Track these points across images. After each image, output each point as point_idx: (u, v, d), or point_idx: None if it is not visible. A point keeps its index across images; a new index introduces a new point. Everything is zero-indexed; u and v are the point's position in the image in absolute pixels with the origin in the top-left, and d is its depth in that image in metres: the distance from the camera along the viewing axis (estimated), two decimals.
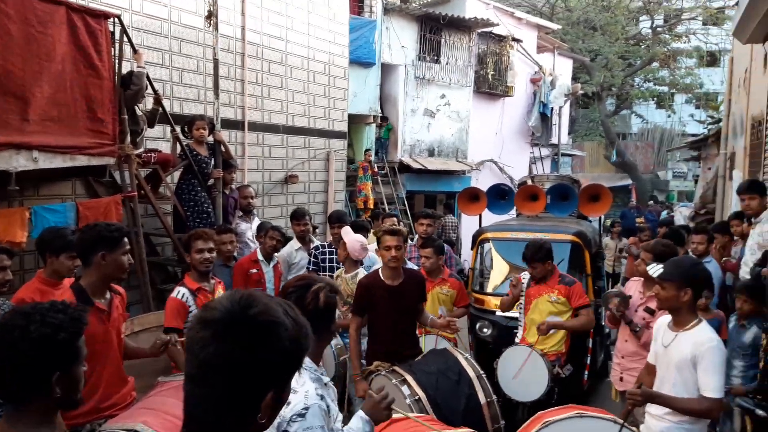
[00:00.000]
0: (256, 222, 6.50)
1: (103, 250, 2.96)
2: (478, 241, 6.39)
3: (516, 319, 5.08)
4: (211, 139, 6.33)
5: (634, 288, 4.46)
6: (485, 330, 5.79)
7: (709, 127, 17.56)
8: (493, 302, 5.84)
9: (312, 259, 5.53)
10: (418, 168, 13.12)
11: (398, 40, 12.66)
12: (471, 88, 14.50)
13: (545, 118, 17.11)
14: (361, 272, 4.68)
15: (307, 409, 2.01)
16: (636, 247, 8.20)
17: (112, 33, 5.14)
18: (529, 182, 7.70)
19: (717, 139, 11.36)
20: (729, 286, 5.43)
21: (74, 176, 5.43)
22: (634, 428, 2.96)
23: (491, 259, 6.45)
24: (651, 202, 19.12)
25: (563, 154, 20.07)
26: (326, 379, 2.31)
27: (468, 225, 11.59)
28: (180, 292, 3.89)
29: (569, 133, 21.30)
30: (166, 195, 6.18)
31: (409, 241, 5.79)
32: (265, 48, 8.32)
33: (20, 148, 4.33)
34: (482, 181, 13.06)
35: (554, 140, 18.52)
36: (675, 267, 3.08)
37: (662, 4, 24.40)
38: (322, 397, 2.10)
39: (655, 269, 3.23)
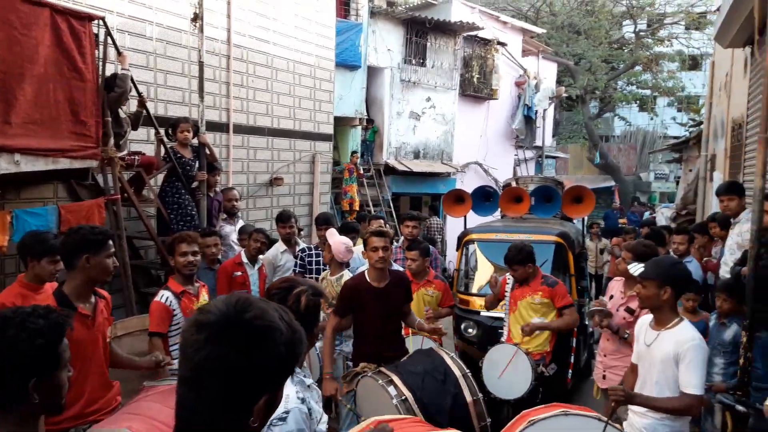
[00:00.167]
0: (240, 224, 6.49)
1: (88, 253, 2.94)
2: (463, 242, 6.43)
3: (501, 319, 5.13)
4: (195, 141, 6.31)
5: (615, 288, 4.52)
6: (470, 330, 5.83)
7: (691, 129, 17.79)
8: (477, 303, 5.88)
9: (298, 262, 5.52)
10: (403, 170, 13.16)
11: (384, 43, 12.70)
12: (456, 91, 14.57)
13: (529, 121, 17.23)
14: (347, 274, 4.68)
15: (287, 413, 2.01)
16: (619, 248, 8.28)
17: (96, 35, 5.11)
18: (514, 184, 7.77)
19: (698, 141, 11.50)
20: (710, 285, 5.51)
21: (56, 179, 5.38)
22: (617, 425, 2.99)
23: (476, 260, 6.49)
24: (634, 203, 19.33)
25: (547, 157, 20.22)
26: (309, 380, 2.32)
27: (453, 226, 11.65)
28: (164, 296, 3.86)
29: (553, 136, 21.46)
30: (149, 198, 6.15)
31: (395, 242, 5.82)
32: (250, 50, 8.31)
33: (2, 151, 4.28)
34: (467, 183, 13.12)
35: (538, 143, 18.66)
36: (656, 266, 3.14)
37: (645, 9, 24.71)
38: (303, 400, 2.11)
39: (637, 268, 3.28)
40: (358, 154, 11.93)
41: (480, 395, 3.74)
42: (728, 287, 4.25)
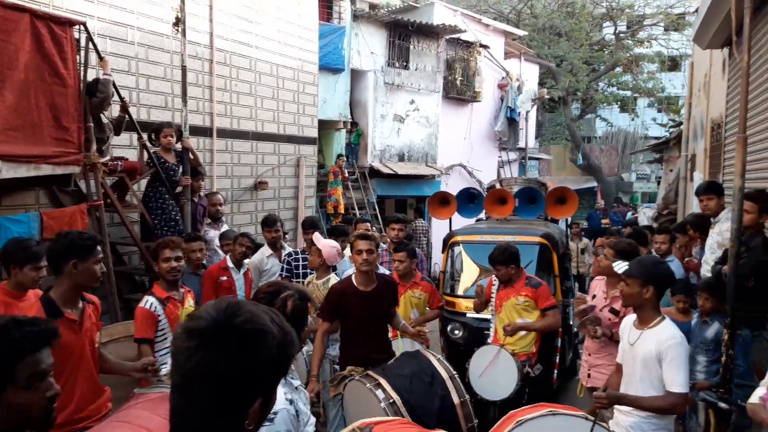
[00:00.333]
0: (224, 229, 6.46)
1: (75, 259, 2.92)
2: (448, 244, 6.45)
3: (487, 320, 5.16)
4: (178, 146, 6.27)
5: (598, 287, 4.56)
6: (456, 332, 5.85)
7: (671, 130, 18.03)
8: (464, 304, 5.91)
9: (285, 266, 5.51)
10: (388, 173, 13.18)
11: (367, 46, 12.72)
12: (440, 94, 14.63)
13: (512, 123, 17.33)
14: (333, 278, 4.68)
15: (275, 414, 2.02)
16: (603, 248, 8.36)
17: (78, 40, 5.06)
18: (498, 186, 7.81)
19: (678, 141, 11.66)
20: (693, 284, 5.58)
21: (38, 185, 5.32)
22: (605, 424, 3.02)
23: (462, 262, 6.52)
24: (616, 203, 19.53)
25: (530, 158, 20.36)
26: (297, 382, 2.32)
27: (438, 229, 11.67)
28: (148, 302, 3.84)
29: (536, 137, 21.63)
30: (132, 203, 6.10)
31: (382, 245, 5.83)
32: (233, 54, 8.28)
33: None
34: (452, 185, 13.17)
35: (521, 144, 18.79)
36: (639, 265, 3.19)
37: (625, 11, 24.99)
38: (291, 402, 2.12)
39: (621, 266, 3.32)
40: (343, 158, 11.94)
41: (467, 396, 3.77)
42: (709, 286, 4.32)
